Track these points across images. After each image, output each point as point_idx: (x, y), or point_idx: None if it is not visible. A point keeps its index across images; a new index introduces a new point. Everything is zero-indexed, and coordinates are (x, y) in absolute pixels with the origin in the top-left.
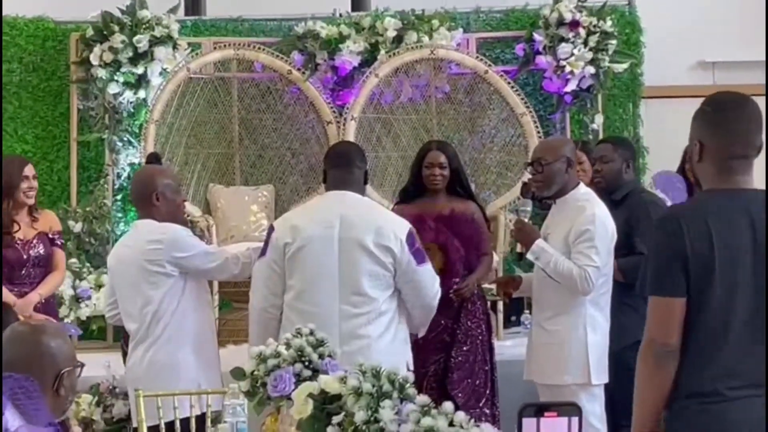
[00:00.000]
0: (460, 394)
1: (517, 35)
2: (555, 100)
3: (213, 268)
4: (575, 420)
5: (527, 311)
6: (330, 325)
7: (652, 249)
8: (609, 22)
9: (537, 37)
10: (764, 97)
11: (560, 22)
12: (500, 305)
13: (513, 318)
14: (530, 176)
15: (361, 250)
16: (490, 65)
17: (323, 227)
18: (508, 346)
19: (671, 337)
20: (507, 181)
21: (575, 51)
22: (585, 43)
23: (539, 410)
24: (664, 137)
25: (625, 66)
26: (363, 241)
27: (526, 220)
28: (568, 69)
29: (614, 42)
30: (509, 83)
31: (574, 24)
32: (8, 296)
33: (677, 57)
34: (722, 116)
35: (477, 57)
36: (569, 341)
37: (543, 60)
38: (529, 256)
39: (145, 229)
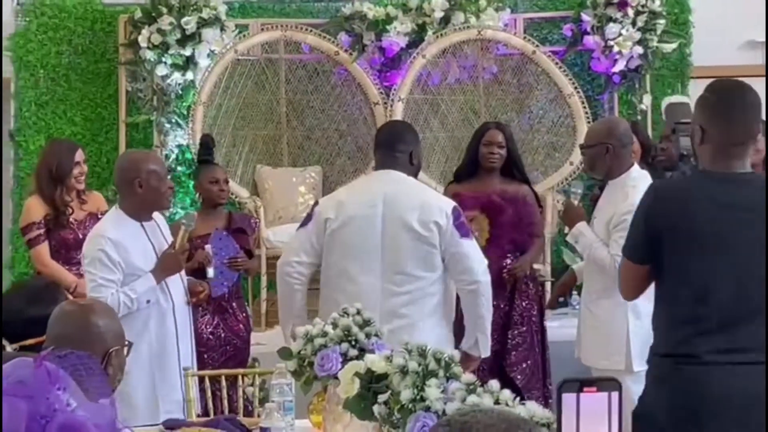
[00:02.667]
0: (519, 376)
1: (565, 15)
2: (603, 80)
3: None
4: (615, 395)
5: (575, 292)
6: (372, 303)
7: (635, 216)
8: (657, 2)
9: (585, 17)
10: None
11: (608, 2)
12: (548, 286)
13: (561, 299)
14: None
15: (405, 228)
16: (537, 46)
17: (367, 206)
18: (556, 327)
19: (630, 295)
20: (555, 162)
21: (623, 31)
22: (633, 23)
23: (579, 386)
24: None
25: (673, 46)
26: (407, 219)
27: (576, 201)
28: (616, 49)
29: (663, 21)
30: (557, 64)
31: (623, 4)
32: (69, 276)
33: (726, 36)
34: (723, 104)
35: (524, 37)
36: (611, 326)
37: (591, 40)
38: (569, 238)
39: (102, 220)
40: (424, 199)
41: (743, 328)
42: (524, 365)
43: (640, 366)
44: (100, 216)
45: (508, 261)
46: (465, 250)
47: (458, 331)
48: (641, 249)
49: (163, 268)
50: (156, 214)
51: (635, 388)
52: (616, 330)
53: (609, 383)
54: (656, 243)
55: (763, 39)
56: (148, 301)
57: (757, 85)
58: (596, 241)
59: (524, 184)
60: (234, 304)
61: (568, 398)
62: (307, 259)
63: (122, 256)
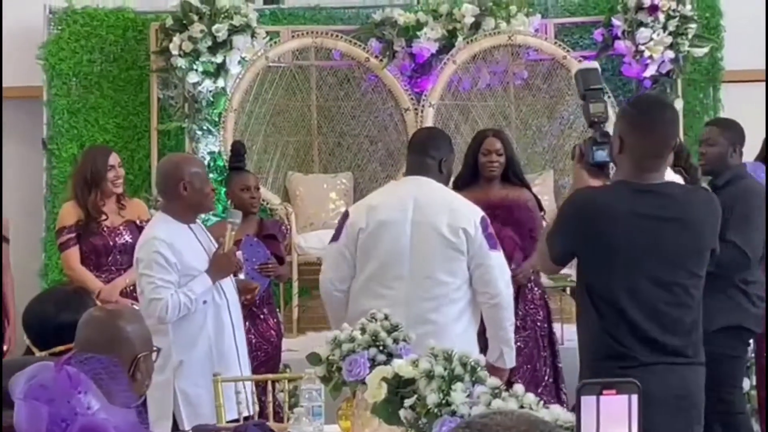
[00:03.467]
0: (519, 381)
1: (596, 20)
2: (634, 85)
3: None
4: (635, 397)
5: None
6: (400, 308)
7: (559, 215)
8: (688, 6)
9: (615, 22)
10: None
11: (639, 7)
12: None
13: None
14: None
15: (434, 234)
16: (568, 51)
17: (397, 211)
18: None
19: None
20: None
21: (654, 35)
22: (664, 28)
23: (598, 388)
24: (744, 122)
25: (705, 50)
26: (436, 225)
27: None
28: (647, 54)
29: (694, 26)
30: None
31: (653, 8)
32: (94, 282)
33: (758, 41)
34: (642, 118)
35: (555, 43)
36: None
37: (622, 45)
38: None
39: (150, 225)
40: (454, 205)
41: (671, 332)
42: (524, 368)
43: None
44: (138, 224)
45: (512, 267)
46: (493, 263)
47: (483, 345)
48: (561, 256)
49: (218, 269)
50: None
51: None
52: None
53: (628, 386)
54: (578, 251)
55: None
56: (204, 302)
57: None
58: None
59: (524, 188)
60: (265, 310)
61: (588, 401)
62: (343, 273)
63: (177, 257)
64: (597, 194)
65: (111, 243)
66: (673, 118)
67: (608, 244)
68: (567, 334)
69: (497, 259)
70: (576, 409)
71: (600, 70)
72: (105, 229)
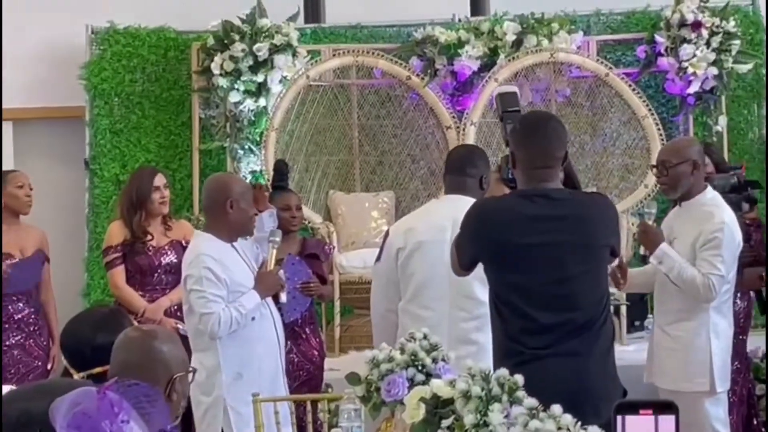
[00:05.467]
0: None
1: (638, 37)
2: (678, 102)
3: (196, 313)
4: (671, 418)
5: (650, 316)
6: (440, 329)
7: (462, 224)
8: (732, 22)
9: (658, 38)
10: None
11: (682, 23)
12: (623, 309)
13: (637, 323)
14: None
15: None
16: (611, 68)
17: (436, 231)
18: (631, 351)
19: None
20: (629, 185)
21: (698, 52)
22: (708, 44)
23: (635, 408)
24: None
25: (749, 66)
26: None
27: (650, 222)
28: (690, 70)
29: (737, 42)
30: (630, 86)
31: (697, 25)
32: (139, 301)
33: None
34: (527, 133)
35: (597, 60)
36: (692, 348)
37: (665, 62)
38: (653, 260)
39: (196, 243)
40: None
41: (564, 327)
42: None
43: (722, 386)
44: (184, 244)
45: None
46: None
47: None
48: (465, 262)
49: (266, 287)
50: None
51: (713, 410)
52: (699, 351)
53: (665, 406)
54: (480, 257)
55: None
56: (253, 318)
57: None
58: (683, 261)
59: None
60: (307, 329)
61: (624, 421)
62: (387, 293)
63: (226, 274)
64: (492, 202)
65: (156, 262)
66: (555, 129)
67: (503, 247)
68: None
69: None
70: (613, 429)
71: (519, 94)
72: (150, 248)
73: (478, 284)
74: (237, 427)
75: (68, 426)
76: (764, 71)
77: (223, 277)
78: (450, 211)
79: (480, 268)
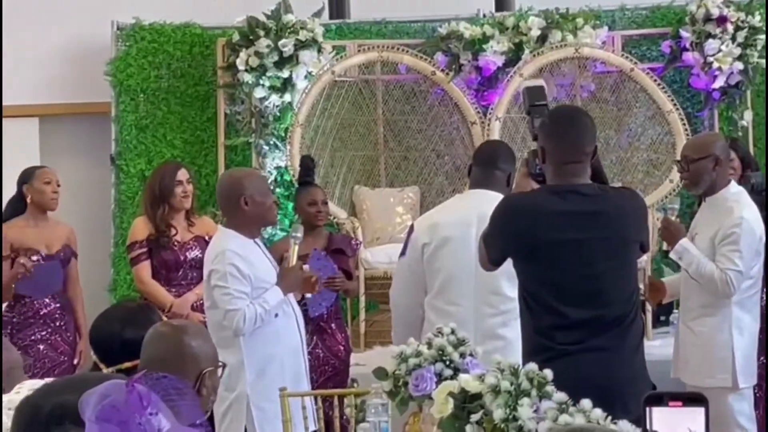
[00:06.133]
0: None
1: (663, 32)
2: (703, 97)
3: (220, 310)
4: (701, 411)
5: (676, 311)
6: (466, 324)
7: (491, 219)
8: (757, 17)
9: (683, 33)
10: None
11: (707, 18)
12: (648, 305)
13: (662, 318)
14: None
15: None
16: (635, 63)
17: (462, 226)
18: (657, 346)
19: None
20: (654, 180)
21: (723, 47)
22: (733, 39)
23: (664, 400)
24: None
25: None
26: None
27: (673, 217)
28: (715, 65)
29: (763, 37)
30: (655, 81)
31: (722, 19)
32: (166, 296)
33: None
34: (557, 128)
35: (622, 55)
36: (715, 344)
37: (690, 57)
38: (672, 255)
39: (218, 239)
40: None
41: (596, 323)
42: None
43: (745, 383)
44: (207, 239)
45: None
46: None
47: None
48: (494, 257)
49: (288, 284)
50: None
51: (737, 405)
52: (721, 347)
53: (695, 397)
54: (509, 253)
55: None
56: (276, 315)
57: None
58: (702, 257)
59: None
60: (333, 324)
61: (653, 412)
62: (410, 287)
63: (251, 270)
64: (522, 197)
65: (182, 258)
66: (585, 124)
67: (534, 242)
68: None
69: None
70: (642, 420)
71: (545, 88)
72: (176, 243)
73: (505, 280)
74: (260, 423)
75: (97, 418)
76: None
77: (247, 273)
78: (475, 206)
79: (508, 264)
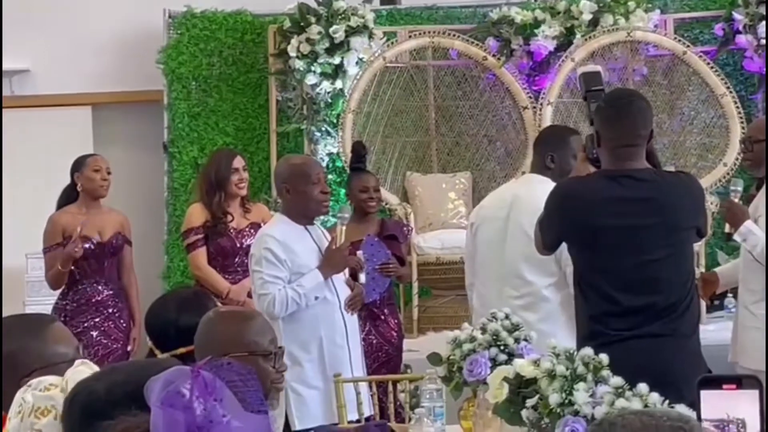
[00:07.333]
0: None
1: (716, 15)
2: (756, 79)
3: (258, 295)
4: (755, 393)
5: (730, 295)
6: (493, 307)
7: (546, 204)
8: None
9: (736, 16)
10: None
11: (760, 0)
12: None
13: (716, 302)
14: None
15: (521, 232)
16: (688, 46)
17: (497, 208)
18: (711, 331)
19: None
20: (708, 164)
21: None
22: (765, 19)
23: (718, 382)
24: None
25: None
26: (522, 222)
27: (736, 199)
28: None
29: None
30: (708, 64)
31: None
32: (222, 282)
33: None
34: (613, 111)
35: (675, 38)
36: None
37: (743, 39)
38: (737, 237)
39: (268, 224)
40: (540, 203)
41: (650, 309)
42: None
43: None
44: (263, 226)
45: None
46: None
47: None
48: (549, 242)
49: (330, 265)
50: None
51: None
52: None
53: (750, 381)
54: (564, 238)
55: None
56: (316, 298)
57: None
58: None
59: None
60: (386, 310)
61: (707, 395)
62: (470, 269)
63: (288, 255)
64: (577, 183)
65: (238, 245)
66: (641, 108)
67: (589, 228)
68: None
69: None
70: (696, 403)
71: (603, 73)
72: (232, 230)
73: (524, 263)
74: (297, 408)
75: (162, 403)
76: None
77: (283, 258)
78: (514, 189)
79: (527, 247)
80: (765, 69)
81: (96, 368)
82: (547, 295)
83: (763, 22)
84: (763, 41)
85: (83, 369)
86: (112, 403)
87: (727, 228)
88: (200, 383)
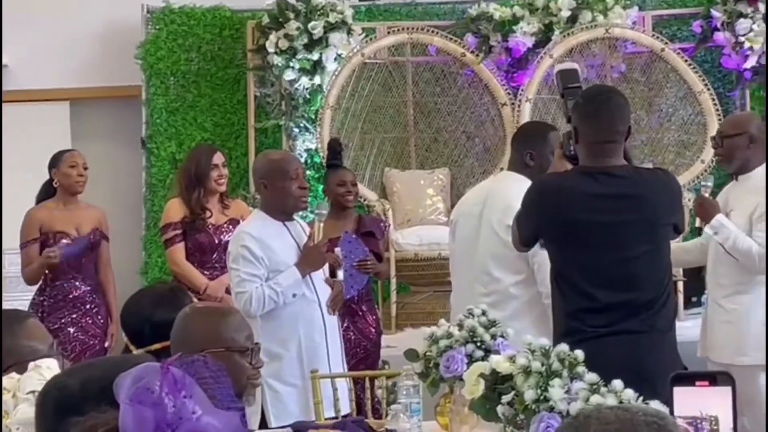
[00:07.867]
0: None
1: (694, 12)
2: (734, 77)
3: (236, 293)
4: (727, 390)
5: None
6: (463, 304)
7: (523, 200)
8: None
9: (715, 13)
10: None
11: None
12: (680, 285)
13: (694, 299)
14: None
15: (489, 229)
16: (666, 43)
17: (473, 204)
18: (688, 327)
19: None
20: (685, 161)
21: (754, 26)
22: (764, 18)
23: (691, 379)
24: None
25: None
26: (491, 219)
27: (706, 195)
28: (747, 45)
29: None
30: (686, 61)
31: None
32: (200, 278)
33: None
34: (591, 107)
35: (653, 35)
36: (748, 321)
37: (721, 36)
38: (707, 230)
39: (246, 220)
40: (510, 202)
41: (627, 306)
42: None
43: None
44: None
45: None
46: (542, 260)
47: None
48: (526, 238)
49: (307, 262)
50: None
51: None
52: (755, 324)
53: (722, 377)
54: (541, 234)
55: None
56: (294, 295)
57: None
58: (739, 233)
59: None
60: (364, 306)
61: (680, 392)
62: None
63: (265, 252)
64: (555, 179)
65: (216, 240)
66: (618, 104)
67: (566, 224)
68: None
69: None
70: (669, 400)
71: (579, 70)
72: (210, 226)
73: (491, 259)
74: (273, 404)
75: (131, 400)
76: None
77: (260, 255)
78: (490, 185)
79: (494, 245)
80: (766, 67)
81: (47, 375)
82: (514, 292)
83: (741, 19)
84: (741, 38)
85: (33, 375)
86: (86, 398)
87: (698, 222)
88: (170, 380)
